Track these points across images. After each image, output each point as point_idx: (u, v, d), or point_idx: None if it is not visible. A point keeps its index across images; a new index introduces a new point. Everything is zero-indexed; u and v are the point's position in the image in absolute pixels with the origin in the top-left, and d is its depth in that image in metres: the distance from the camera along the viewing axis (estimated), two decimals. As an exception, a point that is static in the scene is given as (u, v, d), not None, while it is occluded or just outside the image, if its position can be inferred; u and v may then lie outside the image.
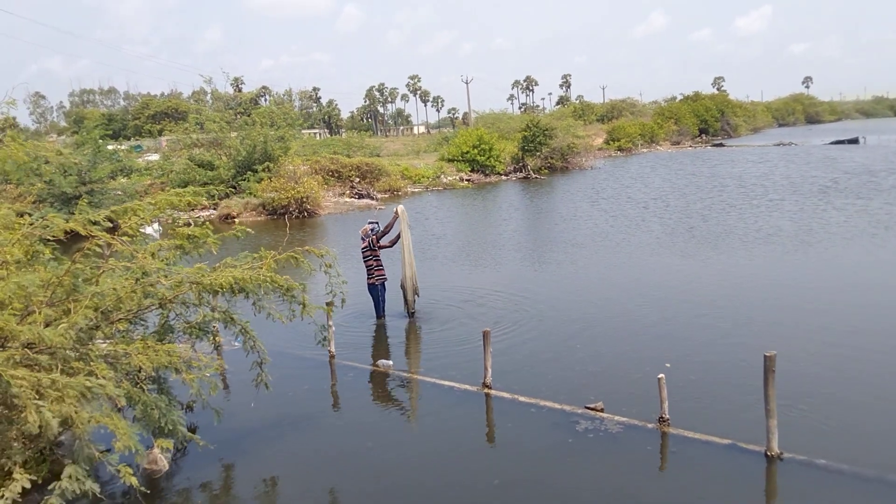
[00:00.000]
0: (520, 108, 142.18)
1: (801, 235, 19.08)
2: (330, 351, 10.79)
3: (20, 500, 5.80)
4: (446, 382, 9.46)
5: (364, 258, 12.92)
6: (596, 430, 7.77)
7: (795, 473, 6.67)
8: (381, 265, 12.95)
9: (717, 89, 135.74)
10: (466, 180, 42.68)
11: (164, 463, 7.36)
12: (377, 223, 13.36)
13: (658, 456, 7.32)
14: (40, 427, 5.32)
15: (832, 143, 62.06)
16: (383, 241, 13.07)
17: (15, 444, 5.81)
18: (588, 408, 8.22)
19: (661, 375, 7.68)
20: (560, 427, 7.93)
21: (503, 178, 44.71)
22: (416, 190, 39.42)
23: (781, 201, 26.09)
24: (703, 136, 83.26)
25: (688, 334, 11.10)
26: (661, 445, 7.43)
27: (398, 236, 12.95)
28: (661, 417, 7.67)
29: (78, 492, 5.62)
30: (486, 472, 7.11)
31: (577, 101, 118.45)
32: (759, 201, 26.51)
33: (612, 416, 8.02)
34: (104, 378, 5.71)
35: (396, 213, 12.87)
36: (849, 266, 15.55)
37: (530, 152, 46.14)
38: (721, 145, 71.22)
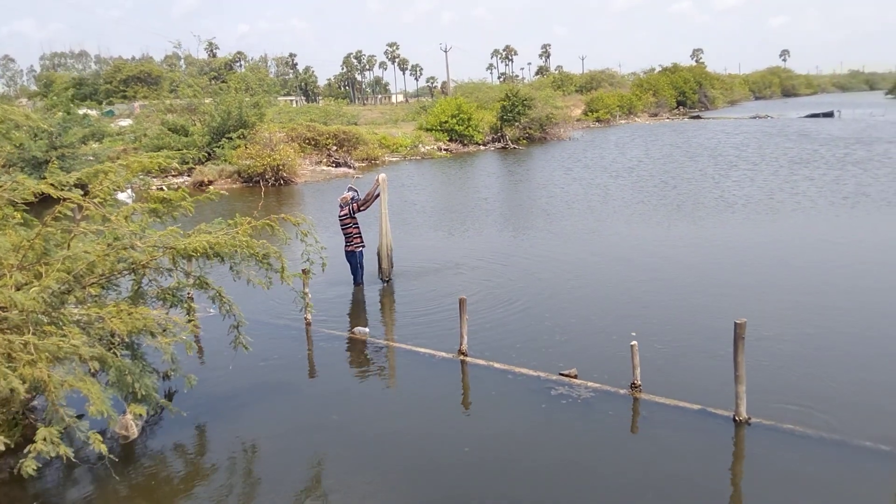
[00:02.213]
0: (499, 77, 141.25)
1: (771, 205, 19.42)
2: (306, 318, 10.78)
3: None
4: (422, 349, 9.52)
5: (343, 225, 12.91)
6: (569, 396, 7.87)
7: (763, 437, 6.82)
8: (360, 233, 12.98)
9: (696, 61, 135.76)
10: (444, 150, 42.51)
11: (134, 430, 7.34)
12: (356, 190, 13.35)
13: (629, 421, 7.45)
14: (11, 391, 5.28)
15: (807, 116, 62.58)
16: (364, 206, 13.09)
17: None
18: (562, 374, 8.32)
19: (633, 342, 7.79)
20: (534, 393, 8.02)
21: (481, 148, 44.56)
22: (394, 159, 39.19)
23: (754, 172, 26.41)
24: (681, 108, 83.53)
25: (659, 302, 11.23)
26: (633, 411, 7.57)
27: (376, 197, 12.99)
28: (633, 384, 7.79)
29: (52, 455, 5.61)
30: (459, 438, 7.20)
31: (557, 72, 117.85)
32: (731, 172, 26.83)
33: (585, 382, 8.13)
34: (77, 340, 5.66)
35: (378, 180, 12.91)
36: (818, 235, 15.83)
37: (509, 122, 46.01)
38: (698, 117, 71.51)
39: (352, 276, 13.03)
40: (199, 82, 37.37)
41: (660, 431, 7.12)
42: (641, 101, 75.29)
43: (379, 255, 13.18)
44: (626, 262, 14.11)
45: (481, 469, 6.58)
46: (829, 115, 61.89)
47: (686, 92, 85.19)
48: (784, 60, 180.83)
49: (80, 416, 6.19)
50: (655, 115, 75.19)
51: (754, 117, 64.70)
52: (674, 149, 37.79)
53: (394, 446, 7.11)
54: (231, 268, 7.65)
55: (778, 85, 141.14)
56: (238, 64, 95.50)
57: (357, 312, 11.84)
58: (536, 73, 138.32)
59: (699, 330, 9.89)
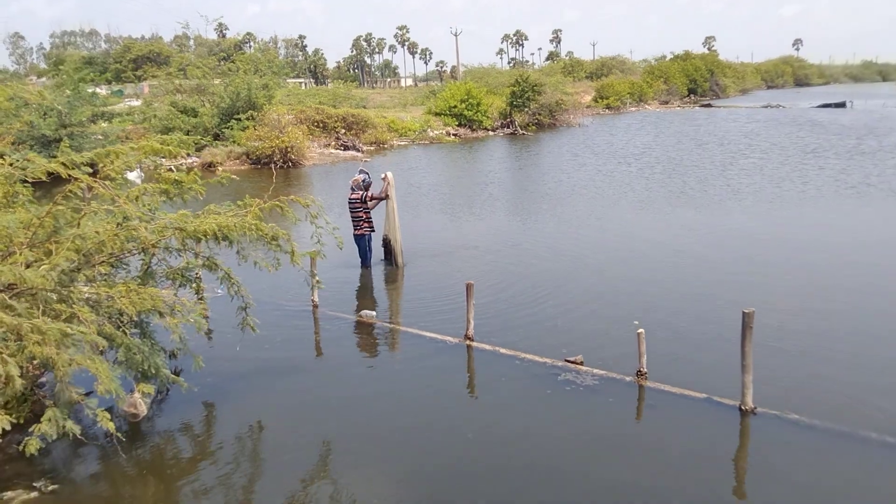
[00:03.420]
0: (509, 62, 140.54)
1: (779, 194, 19.37)
2: (313, 301, 10.81)
3: (2, 437, 5.84)
4: (428, 334, 9.53)
5: (353, 209, 12.91)
6: (575, 382, 7.88)
7: (768, 427, 6.82)
8: (370, 217, 12.99)
9: (708, 49, 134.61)
10: (453, 135, 42.34)
11: (143, 408, 7.38)
12: (367, 173, 13.36)
13: (635, 408, 7.46)
14: (21, 371, 5.32)
15: (819, 106, 62.07)
16: (371, 203, 13.09)
17: (-4, 385, 5.81)
18: (568, 361, 8.33)
19: (640, 330, 7.79)
20: (540, 379, 8.04)
21: (490, 133, 44.38)
22: (403, 143, 39.09)
23: (763, 161, 26.29)
24: (692, 96, 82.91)
25: (665, 290, 11.21)
26: (639, 398, 7.57)
27: (385, 197, 13.04)
28: (639, 371, 7.80)
29: (57, 434, 5.66)
30: (463, 423, 7.22)
31: (567, 58, 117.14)
32: (741, 161, 26.71)
33: (591, 369, 8.14)
34: (87, 320, 5.69)
35: (386, 177, 12.98)
36: (826, 225, 15.78)
37: (518, 108, 45.75)
38: (709, 106, 71.03)
39: (360, 260, 13.05)
40: (207, 63, 37.28)
41: (665, 419, 7.13)
42: (652, 89, 74.74)
43: (391, 247, 13.17)
44: (632, 248, 14.09)
45: (484, 454, 6.60)
46: (842, 105, 61.37)
47: (697, 80, 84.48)
48: (797, 49, 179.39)
49: (88, 394, 6.25)
50: (666, 102, 74.69)
51: (766, 106, 64.19)
52: (683, 137, 37.62)
53: (398, 430, 7.14)
54: (238, 252, 7.67)
55: (790, 74, 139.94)
56: (248, 45, 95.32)
57: (364, 296, 11.86)
58: (547, 59, 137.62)
59: (705, 318, 9.87)
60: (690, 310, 10.30)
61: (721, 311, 9.92)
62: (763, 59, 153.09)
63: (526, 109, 45.85)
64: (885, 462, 6.26)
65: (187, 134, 30.46)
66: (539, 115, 46.28)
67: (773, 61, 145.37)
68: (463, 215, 18.52)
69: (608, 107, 64.44)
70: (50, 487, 6.15)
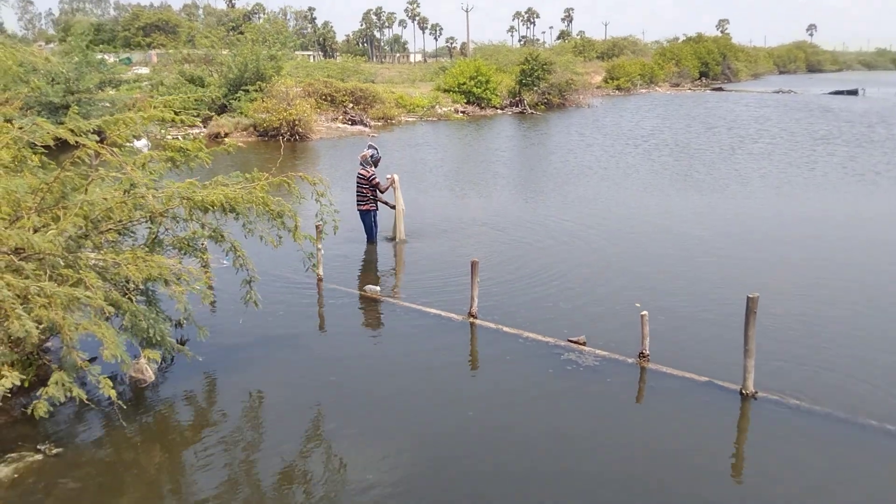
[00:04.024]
0: (519, 40, 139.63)
1: (787, 179, 19.34)
2: (318, 274, 10.83)
3: (7, 400, 5.90)
4: (432, 310, 9.56)
5: (359, 185, 12.92)
6: (577, 362, 7.90)
7: (768, 412, 6.85)
8: (376, 197, 12.99)
9: (721, 32, 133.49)
10: (461, 112, 42.10)
11: (150, 373, 7.44)
12: (376, 148, 13.34)
13: (636, 390, 7.49)
14: (27, 331, 5.36)
15: (831, 93, 61.57)
16: (379, 195, 13.12)
17: (1, 348, 5.86)
18: (570, 341, 8.35)
19: (644, 312, 7.79)
20: (542, 359, 8.06)
21: (499, 111, 44.10)
22: (411, 119, 38.90)
23: (772, 146, 26.16)
24: (704, 79, 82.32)
25: (669, 273, 11.21)
26: (640, 380, 7.60)
27: (391, 206, 13.21)
28: (642, 353, 7.82)
29: (64, 398, 5.71)
30: (464, 401, 7.26)
31: (579, 37, 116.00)
32: (749, 145, 26.59)
33: (594, 350, 8.16)
34: (94, 286, 5.72)
35: (391, 179, 13.08)
36: (833, 212, 15.69)
37: (528, 87, 45.39)
38: (720, 89, 70.52)
39: (365, 235, 13.07)
40: (216, 33, 37.11)
41: (666, 402, 7.16)
42: (663, 71, 74.11)
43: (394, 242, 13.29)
44: (637, 230, 14.06)
45: (484, 432, 6.64)
46: (854, 92, 60.83)
47: (709, 63, 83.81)
48: (811, 35, 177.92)
49: (93, 359, 6.30)
50: (677, 85, 74.14)
51: (777, 92, 63.70)
52: (692, 120, 37.41)
53: (399, 404, 7.18)
54: (244, 225, 7.68)
55: (803, 60, 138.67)
56: (257, 15, 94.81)
57: (369, 271, 11.88)
58: (558, 38, 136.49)
59: (709, 302, 9.87)
60: (694, 293, 10.30)
61: (724, 296, 9.92)
62: (776, 43, 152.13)
63: (535, 88, 45.49)
64: (883, 449, 6.28)
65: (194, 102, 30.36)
66: (548, 94, 45.91)
67: (787, 46, 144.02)
68: (469, 193, 18.50)
69: (618, 88, 63.98)
70: (54, 450, 6.21)
